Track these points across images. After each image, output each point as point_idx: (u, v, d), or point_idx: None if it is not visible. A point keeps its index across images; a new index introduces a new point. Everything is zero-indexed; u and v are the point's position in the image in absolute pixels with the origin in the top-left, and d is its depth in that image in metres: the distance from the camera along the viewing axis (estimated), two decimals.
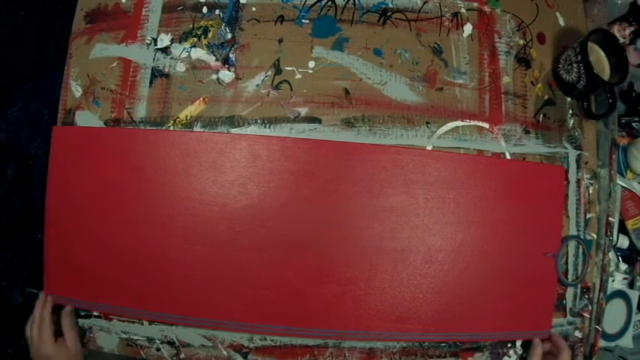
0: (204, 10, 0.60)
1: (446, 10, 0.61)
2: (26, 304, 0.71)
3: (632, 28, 0.73)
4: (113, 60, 0.60)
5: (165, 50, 0.59)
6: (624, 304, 0.66)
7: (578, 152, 0.61)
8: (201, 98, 0.58)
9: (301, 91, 0.58)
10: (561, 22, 0.64)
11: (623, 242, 0.68)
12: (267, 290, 0.55)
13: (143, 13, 0.60)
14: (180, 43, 0.59)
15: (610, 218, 0.61)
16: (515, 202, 0.57)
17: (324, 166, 0.55)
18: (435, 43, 0.60)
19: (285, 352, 0.58)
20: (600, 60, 0.60)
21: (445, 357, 0.58)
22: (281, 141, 0.56)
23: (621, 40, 0.72)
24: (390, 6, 0.60)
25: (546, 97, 0.62)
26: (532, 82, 0.61)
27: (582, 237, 0.60)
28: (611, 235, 0.61)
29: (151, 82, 0.59)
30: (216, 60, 0.59)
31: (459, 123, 0.59)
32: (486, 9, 0.62)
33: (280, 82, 0.58)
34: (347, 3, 0.60)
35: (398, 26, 0.60)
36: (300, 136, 0.57)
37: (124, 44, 0.60)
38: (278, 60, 0.59)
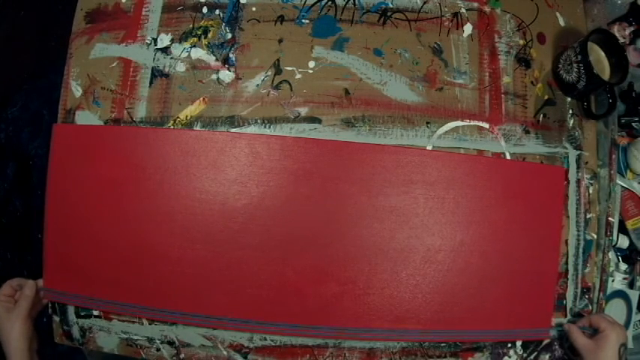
0: (204, 10, 0.60)
1: (446, 10, 0.61)
2: None
3: (632, 28, 0.73)
4: (113, 60, 0.60)
5: (165, 50, 0.59)
6: (624, 304, 0.66)
7: (578, 152, 0.61)
8: (201, 98, 0.58)
9: (301, 91, 0.58)
10: (561, 22, 0.64)
11: (623, 242, 0.68)
12: (266, 289, 0.55)
13: (143, 13, 0.60)
14: (180, 43, 0.59)
15: (610, 218, 0.61)
16: (515, 203, 0.57)
17: (323, 165, 0.55)
18: (435, 43, 0.60)
19: (285, 352, 0.58)
20: (600, 60, 0.60)
21: (445, 357, 0.58)
22: (281, 140, 0.56)
23: (621, 40, 0.72)
24: (390, 6, 0.60)
25: (546, 97, 0.62)
26: (532, 82, 0.61)
27: (582, 237, 0.60)
28: (611, 235, 0.61)
29: (151, 82, 0.59)
30: (216, 60, 0.59)
31: (459, 123, 0.59)
32: (486, 9, 0.62)
33: (280, 82, 0.58)
34: (347, 3, 0.60)
35: (398, 26, 0.60)
36: (300, 136, 0.57)
37: (124, 44, 0.60)
38: (278, 60, 0.59)
